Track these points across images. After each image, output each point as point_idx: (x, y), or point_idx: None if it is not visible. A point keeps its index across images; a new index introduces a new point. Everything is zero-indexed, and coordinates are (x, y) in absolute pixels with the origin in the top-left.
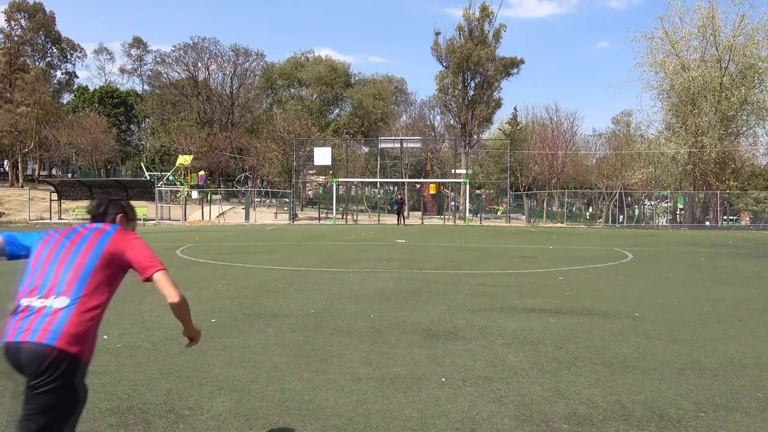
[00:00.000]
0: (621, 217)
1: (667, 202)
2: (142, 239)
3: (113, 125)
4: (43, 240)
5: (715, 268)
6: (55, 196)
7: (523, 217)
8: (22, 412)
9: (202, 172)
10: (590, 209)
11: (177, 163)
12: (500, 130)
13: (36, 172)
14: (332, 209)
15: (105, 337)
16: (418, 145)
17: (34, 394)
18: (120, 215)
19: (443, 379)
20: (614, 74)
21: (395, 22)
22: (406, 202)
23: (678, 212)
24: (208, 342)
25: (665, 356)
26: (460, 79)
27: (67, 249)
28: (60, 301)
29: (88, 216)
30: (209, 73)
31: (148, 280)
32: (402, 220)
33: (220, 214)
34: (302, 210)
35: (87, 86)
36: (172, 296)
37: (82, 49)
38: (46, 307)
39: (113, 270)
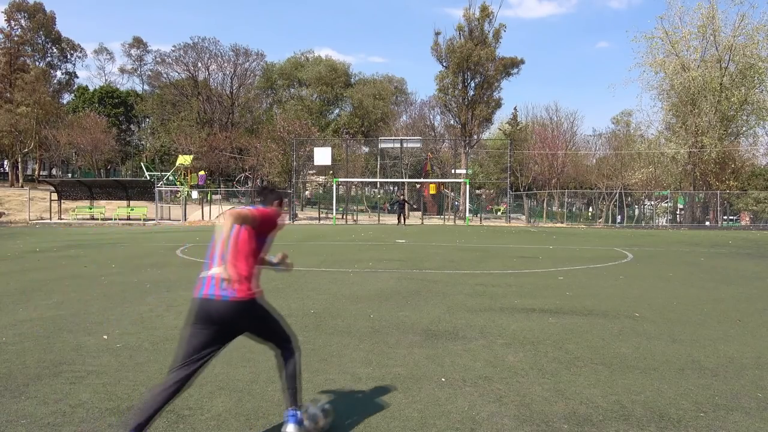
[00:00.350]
0: (619, 217)
1: (667, 202)
2: (279, 209)
3: (113, 125)
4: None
5: (715, 268)
6: (55, 196)
7: (523, 217)
8: (259, 336)
9: (202, 172)
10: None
11: (177, 163)
12: (500, 130)
13: (36, 172)
14: (332, 209)
15: (105, 337)
16: (418, 145)
17: (240, 328)
18: (276, 201)
19: (443, 379)
20: (614, 74)
21: (395, 22)
22: (407, 202)
23: (678, 212)
24: None
25: (665, 356)
26: (460, 79)
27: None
28: (219, 265)
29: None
30: (209, 73)
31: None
32: (403, 220)
33: (220, 214)
34: (302, 210)
35: (87, 86)
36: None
37: (82, 49)
38: (210, 273)
39: (246, 238)
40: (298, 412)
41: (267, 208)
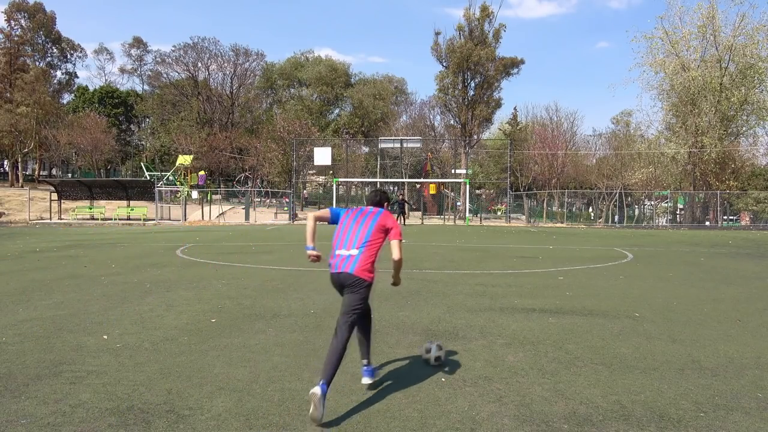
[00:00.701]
0: (616, 216)
1: (667, 202)
2: (394, 218)
3: (113, 125)
4: (347, 212)
5: (715, 268)
6: (55, 196)
7: (523, 217)
8: (347, 303)
9: (202, 172)
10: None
11: (177, 163)
12: (500, 130)
13: (36, 172)
14: None
15: (105, 337)
16: (418, 145)
17: (350, 294)
18: (385, 203)
19: (443, 379)
20: (614, 74)
21: (395, 22)
22: (407, 202)
23: (678, 212)
24: (208, 342)
25: (665, 356)
26: (460, 79)
27: (358, 221)
28: (356, 251)
29: (369, 203)
30: (209, 73)
31: (386, 240)
32: (402, 221)
33: (220, 214)
34: (302, 210)
35: (87, 86)
36: (396, 255)
37: (82, 49)
38: (350, 253)
39: (382, 234)
40: (370, 371)
41: (388, 212)
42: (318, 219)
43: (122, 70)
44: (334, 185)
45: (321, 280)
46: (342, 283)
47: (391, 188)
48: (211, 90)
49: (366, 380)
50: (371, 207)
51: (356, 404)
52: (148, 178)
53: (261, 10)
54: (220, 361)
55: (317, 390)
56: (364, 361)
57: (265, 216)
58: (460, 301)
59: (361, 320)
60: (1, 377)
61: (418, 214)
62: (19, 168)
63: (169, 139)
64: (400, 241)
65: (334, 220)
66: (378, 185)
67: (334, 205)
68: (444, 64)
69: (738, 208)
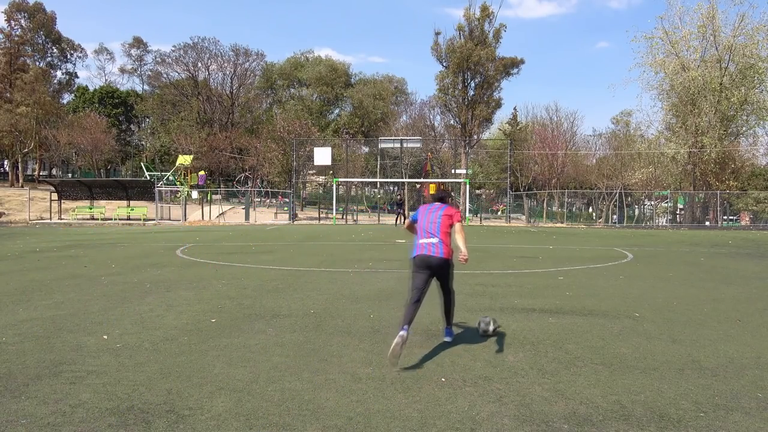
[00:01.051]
0: (614, 216)
1: (667, 202)
2: (457, 209)
3: (113, 125)
4: (421, 210)
5: (715, 268)
6: (55, 196)
7: (523, 217)
8: (440, 283)
9: (202, 172)
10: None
11: (177, 163)
12: (500, 130)
13: (36, 172)
14: (332, 209)
15: (105, 337)
16: (418, 145)
17: (438, 272)
18: (448, 198)
19: (443, 379)
20: (614, 74)
21: (395, 22)
22: (405, 202)
23: (678, 212)
24: (208, 342)
25: (665, 356)
26: (460, 79)
27: (429, 215)
28: (436, 239)
29: (434, 200)
30: (209, 73)
31: (453, 225)
32: (403, 221)
33: (220, 214)
34: (302, 210)
35: (87, 86)
36: (459, 231)
37: (82, 49)
38: (431, 241)
39: (449, 222)
40: (451, 330)
41: (453, 206)
42: (410, 228)
43: (122, 70)
44: (334, 185)
45: (321, 280)
46: (429, 264)
47: (391, 188)
48: (211, 90)
49: (447, 339)
50: (437, 203)
51: (356, 404)
52: (148, 178)
53: (261, 10)
54: (220, 361)
55: (403, 333)
56: (446, 325)
57: (265, 216)
58: (460, 301)
59: (445, 295)
60: (1, 377)
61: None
62: (19, 168)
63: (169, 139)
64: (461, 223)
65: (414, 221)
66: (378, 185)
67: (334, 205)
68: (444, 64)
69: (738, 208)
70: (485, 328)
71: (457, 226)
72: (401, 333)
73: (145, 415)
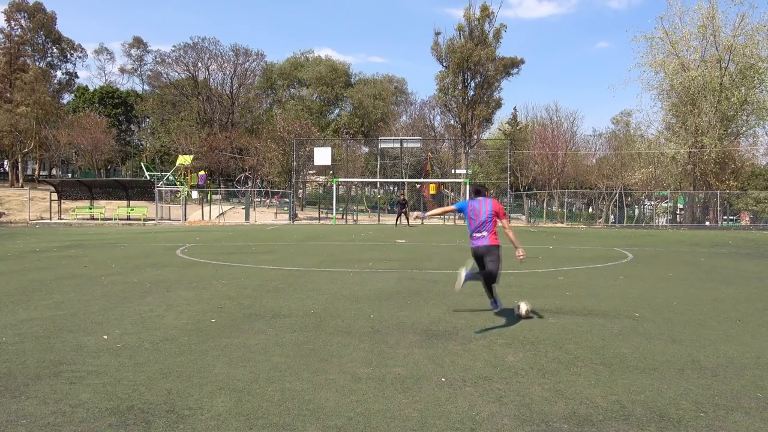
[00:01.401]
0: (612, 216)
1: (667, 202)
2: (501, 203)
3: (113, 125)
4: (470, 205)
5: (715, 268)
6: (55, 196)
7: (523, 217)
8: (485, 266)
9: (202, 172)
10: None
11: (177, 163)
12: (500, 130)
13: (36, 172)
14: (332, 209)
15: (105, 337)
16: (418, 145)
17: (488, 260)
18: (485, 190)
19: (443, 379)
20: (614, 74)
21: (395, 22)
22: (407, 203)
23: (678, 212)
24: (208, 342)
25: (665, 356)
26: (460, 79)
27: (478, 209)
28: (486, 233)
29: (477, 195)
30: (209, 73)
31: (501, 220)
32: (407, 221)
33: (220, 214)
34: (302, 210)
35: (87, 86)
36: (509, 229)
37: (82, 49)
38: (483, 235)
39: (495, 214)
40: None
41: (475, 200)
42: (446, 211)
43: (122, 70)
44: (334, 185)
45: (321, 280)
46: (482, 253)
47: (391, 188)
48: (211, 90)
49: (495, 308)
50: (481, 197)
51: (356, 404)
52: (148, 178)
53: (261, 11)
54: (220, 361)
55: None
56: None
57: (265, 216)
58: (460, 301)
59: (486, 275)
60: (1, 377)
61: (419, 214)
62: (19, 168)
63: (169, 139)
64: (508, 218)
65: (459, 210)
66: (378, 185)
67: (334, 205)
68: (444, 64)
69: (738, 208)
70: (518, 312)
71: (505, 222)
72: (494, 307)
73: (145, 415)
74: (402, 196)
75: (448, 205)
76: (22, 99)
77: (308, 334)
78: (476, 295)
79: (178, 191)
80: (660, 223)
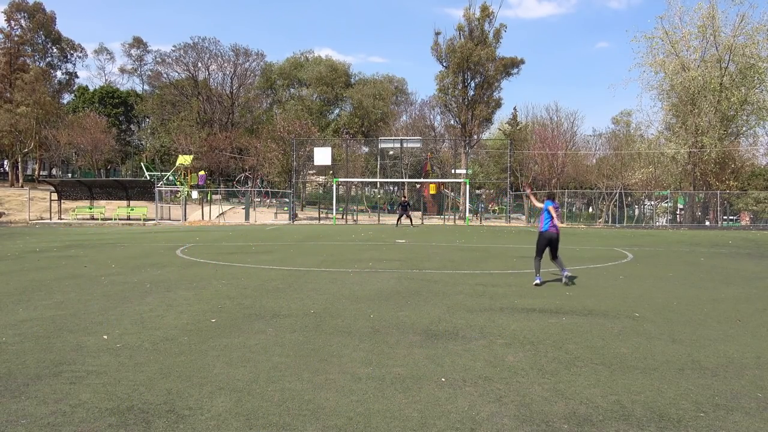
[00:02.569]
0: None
1: (667, 202)
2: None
3: (113, 125)
4: (552, 206)
5: (715, 268)
6: (55, 196)
7: (523, 217)
8: (554, 250)
9: (202, 172)
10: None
11: (177, 163)
12: (500, 130)
13: (36, 172)
14: (332, 209)
15: (105, 337)
16: (418, 145)
17: (555, 242)
18: (555, 196)
19: (443, 379)
20: (614, 74)
21: (395, 22)
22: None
23: (678, 212)
24: (208, 342)
25: (665, 356)
26: (460, 79)
27: (551, 209)
28: (557, 223)
29: (552, 198)
30: (209, 73)
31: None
32: (410, 221)
33: (220, 214)
34: (302, 210)
35: (87, 86)
36: (557, 224)
37: (82, 49)
38: (556, 225)
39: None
40: (566, 271)
41: (553, 203)
42: (535, 204)
43: (122, 70)
44: (334, 185)
45: (321, 280)
46: (552, 238)
47: (391, 188)
48: (211, 90)
49: (566, 276)
50: (552, 201)
51: (356, 404)
52: (148, 178)
53: (261, 11)
54: (220, 361)
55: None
56: (563, 269)
57: (265, 216)
58: (460, 301)
59: (557, 256)
60: (1, 377)
61: (418, 214)
62: (19, 168)
63: (169, 139)
64: (559, 215)
65: (545, 209)
66: (378, 185)
67: (334, 205)
68: (444, 64)
69: (738, 208)
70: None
71: (556, 217)
72: (537, 281)
73: (145, 415)
74: (404, 198)
75: (447, 205)
76: (22, 99)
77: (308, 334)
78: (476, 295)
79: (178, 191)
80: (660, 223)
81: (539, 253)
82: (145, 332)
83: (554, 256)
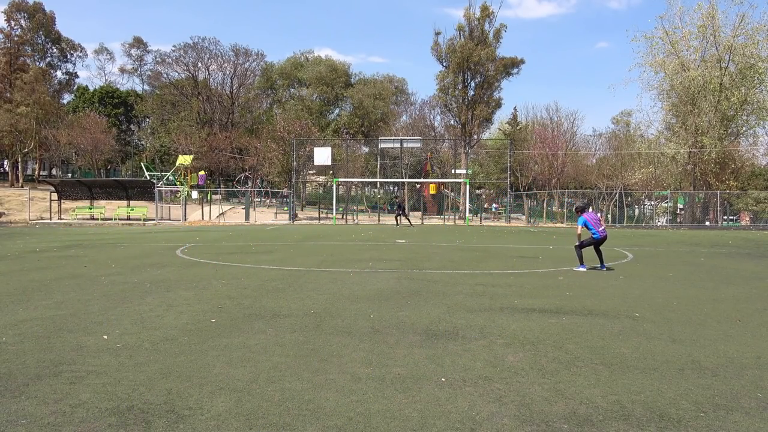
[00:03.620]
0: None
1: (667, 202)
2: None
3: (113, 125)
4: (591, 216)
5: (715, 268)
6: (55, 196)
7: (523, 217)
8: (600, 249)
9: (202, 172)
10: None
11: (177, 163)
12: (500, 130)
13: (36, 172)
14: (332, 209)
15: (105, 337)
16: (418, 145)
17: (602, 242)
18: (582, 210)
19: (443, 379)
20: (614, 74)
21: (395, 22)
22: (406, 204)
23: (678, 212)
24: (208, 342)
25: (665, 356)
26: (460, 79)
27: (592, 217)
28: (602, 227)
29: (588, 208)
30: (209, 73)
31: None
32: (408, 221)
33: (220, 214)
34: (302, 210)
35: (87, 86)
36: (603, 226)
37: (82, 49)
38: (603, 228)
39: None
40: (605, 267)
41: (587, 213)
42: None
43: (122, 70)
44: (334, 185)
45: (321, 280)
46: (602, 240)
47: (391, 188)
48: (211, 90)
49: (604, 268)
50: (582, 213)
51: (356, 404)
52: (148, 178)
53: (261, 10)
54: (220, 361)
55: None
56: (601, 265)
57: (265, 216)
58: (460, 301)
59: (600, 252)
60: (1, 377)
61: (418, 214)
62: (19, 168)
63: (169, 139)
64: (601, 219)
65: (583, 224)
66: (378, 185)
67: (334, 205)
68: (444, 64)
69: (738, 208)
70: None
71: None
72: (582, 269)
73: (145, 415)
74: (397, 198)
75: (447, 205)
76: (22, 99)
77: (308, 334)
78: (476, 295)
79: (178, 191)
80: (660, 223)
81: (584, 246)
82: (145, 332)
83: (598, 252)
